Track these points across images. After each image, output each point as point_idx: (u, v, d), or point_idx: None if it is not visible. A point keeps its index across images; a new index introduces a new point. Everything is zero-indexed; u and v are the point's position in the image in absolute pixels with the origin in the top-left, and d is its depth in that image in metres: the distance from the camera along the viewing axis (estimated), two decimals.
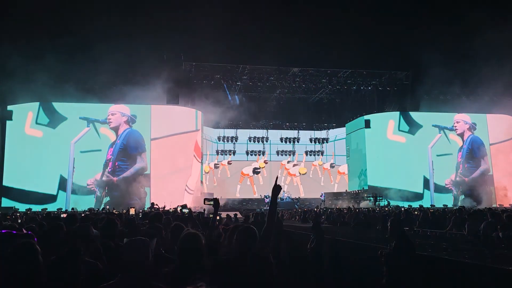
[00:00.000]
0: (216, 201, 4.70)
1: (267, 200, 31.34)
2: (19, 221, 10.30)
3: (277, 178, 3.81)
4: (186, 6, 28.17)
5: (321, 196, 33.41)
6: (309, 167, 38.56)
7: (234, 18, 29.05)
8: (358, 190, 32.55)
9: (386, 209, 22.16)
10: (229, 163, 36.98)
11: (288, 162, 38.33)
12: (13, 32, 24.73)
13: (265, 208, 27.90)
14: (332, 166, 38.42)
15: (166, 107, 29.69)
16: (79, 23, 25.70)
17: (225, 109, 32.82)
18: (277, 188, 3.67)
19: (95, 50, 24.30)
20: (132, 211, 11.88)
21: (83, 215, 12.07)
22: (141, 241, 2.67)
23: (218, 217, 5.73)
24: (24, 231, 3.88)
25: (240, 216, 18.10)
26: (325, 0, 31.92)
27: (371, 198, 29.63)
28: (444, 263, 4.86)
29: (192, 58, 30.44)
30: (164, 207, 16.62)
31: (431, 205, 28.21)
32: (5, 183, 27.00)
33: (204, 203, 5.05)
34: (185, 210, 7.63)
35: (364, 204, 28.87)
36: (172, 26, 28.16)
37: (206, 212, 12.66)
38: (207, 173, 35.45)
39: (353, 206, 22.12)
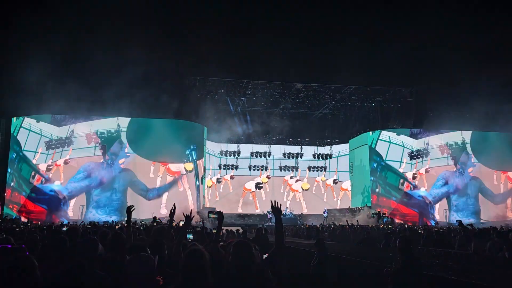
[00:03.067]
0: (220, 214, 4.70)
1: (269, 216, 31.06)
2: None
3: (271, 202, 3.78)
4: (190, 21, 28.52)
5: (324, 212, 33.16)
6: (312, 183, 38.34)
7: (239, 33, 29.39)
8: (361, 207, 32.31)
9: (389, 226, 21.99)
10: (231, 177, 36.83)
11: (291, 177, 38.09)
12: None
13: (267, 224, 27.65)
14: (335, 182, 38.12)
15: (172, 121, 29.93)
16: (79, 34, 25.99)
17: (228, 124, 32.84)
18: (276, 211, 3.64)
19: (99, 64, 24.56)
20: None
21: (88, 225, 12.04)
22: (146, 257, 2.65)
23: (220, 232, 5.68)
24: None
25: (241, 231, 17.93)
26: (330, 16, 32.24)
27: (374, 215, 29.38)
28: (450, 283, 4.77)
29: (196, 73, 30.62)
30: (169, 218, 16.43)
31: (435, 223, 27.98)
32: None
33: (208, 217, 5.13)
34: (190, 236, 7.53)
35: (361, 217, 28.58)
36: (176, 40, 28.45)
37: (209, 227, 12.56)
38: (209, 187, 35.30)
39: (357, 222, 21.89)
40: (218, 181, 36.56)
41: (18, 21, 25.33)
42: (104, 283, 3.14)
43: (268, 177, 37.36)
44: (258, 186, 36.94)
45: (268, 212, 32.11)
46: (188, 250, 3.03)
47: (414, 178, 32.38)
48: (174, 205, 5.00)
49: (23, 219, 25.08)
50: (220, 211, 4.87)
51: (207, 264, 2.93)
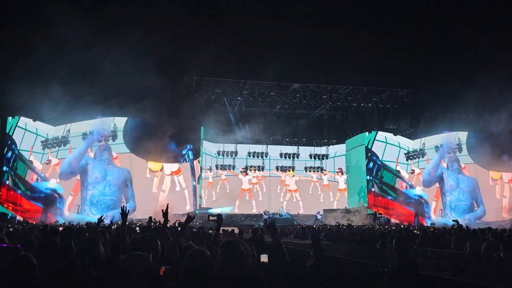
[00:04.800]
0: (219, 217, 4.72)
1: (265, 216, 31.07)
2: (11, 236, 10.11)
3: (265, 221, 3.81)
4: (188, 21, 28.46)
5: (317, 213, 32.99)
6: (309, 183, 38.32)
7: (236, 33, 29.37)
8: (357, 207, 32.36)
9: (386, 227, 22.04)
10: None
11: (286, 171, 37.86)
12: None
13: (263, 224, 27.65)
14: (337, 173, 37.73)
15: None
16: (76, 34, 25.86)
17: (225, 124, 32.76)
18: (271, 227, 3.69)
19: (96, 63, 24.47)
20: None
21: (84, 226, 11.97)
22: (140, 256, 2.64)
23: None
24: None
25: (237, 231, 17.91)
26: (327, 17, 32.26)
27: (370, 215, 29.45)
28: (446, 283, 4.79)
29: (193, 73, 30.54)
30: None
31: (431, 224, 28.05)
32: None
33: (208, 219, 5.13)
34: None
35: (357, 218, 28.59)
36: (174, 40, 28.35)
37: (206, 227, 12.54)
38: (206, 187, 35.26)
39: (356, 223, 21.93)
40: (215, 181, 36.49)
41: (14, 20, 25.25)
42: (100, 283, 3.13)
43: (256, 178, 37.20)
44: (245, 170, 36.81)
45: (264, 212, 32.15)
46: (191, 251, 3.02)
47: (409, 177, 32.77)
48: (167, 205, 4.93)
49: (18, 217, 25.01)
50: (219, 214, 4.89)
51: (209, 265, 2.92)
